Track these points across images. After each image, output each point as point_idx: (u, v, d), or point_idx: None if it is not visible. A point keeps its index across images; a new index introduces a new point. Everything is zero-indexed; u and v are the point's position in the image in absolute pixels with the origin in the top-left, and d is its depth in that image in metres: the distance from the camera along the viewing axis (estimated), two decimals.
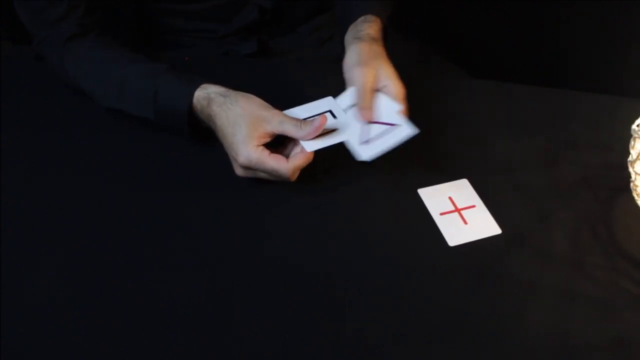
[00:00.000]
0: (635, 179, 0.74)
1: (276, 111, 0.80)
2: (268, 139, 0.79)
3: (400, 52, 1.14)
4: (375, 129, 0.82)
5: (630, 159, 0.75)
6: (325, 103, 0.84)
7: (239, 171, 0.80)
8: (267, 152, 0.78)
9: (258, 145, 0.78)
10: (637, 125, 0.74)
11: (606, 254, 0.76)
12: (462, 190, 0.83)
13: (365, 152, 0.80)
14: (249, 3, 1.02)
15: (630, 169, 0.75)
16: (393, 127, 0.82)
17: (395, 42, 1.14)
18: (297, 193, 0.82)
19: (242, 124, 0.78)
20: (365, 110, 0.82)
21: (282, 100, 0.84)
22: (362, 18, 0.92)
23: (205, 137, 0.85)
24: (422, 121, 0.91)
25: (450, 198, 0.82)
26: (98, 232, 0.78)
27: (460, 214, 0.80)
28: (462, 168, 0.86)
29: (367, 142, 0.81)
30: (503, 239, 0.78)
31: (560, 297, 0.72)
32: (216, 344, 0.67)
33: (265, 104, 0.80)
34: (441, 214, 0.80)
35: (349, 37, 0.90)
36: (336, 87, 0.84)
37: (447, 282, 0.73)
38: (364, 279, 0.74)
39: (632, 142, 0.75)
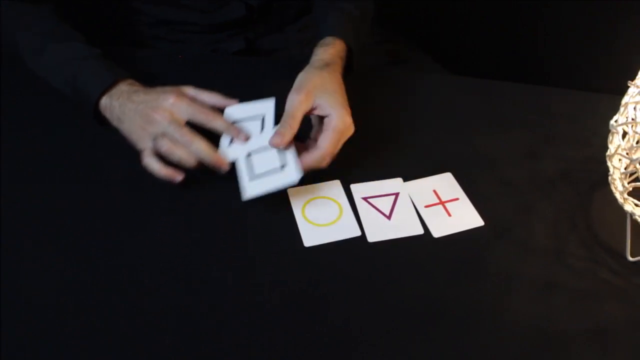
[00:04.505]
0: (613, 172, 0.74)
1: None
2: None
3: (383, 51, 1.14)
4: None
5: (608, 153, 0.74)
6: (264, 107, 0.80)
7: (152, 135, 0.77)
8: None
9: None
10: (615, 121, 0.73)
11: (585, 245, 0.75)
12: (446, 184, 0.82)
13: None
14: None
15: (609, 163, 0.74)
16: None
17: (379, 41, 1.14)
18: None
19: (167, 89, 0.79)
20: (279, 136, 0.75)
21: (269, 96, 0.83)
22: (320, 42, 0.89)
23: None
24: (408, 117, 0.91)
25: (434, 191, 0.81)
26: (98, 232, 0.75)
27: (444, 206, 0.79)
28: (446, 162, 0.85)
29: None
30: (485, 230, 0.77)
31: (540, 287, 0.71)
32: (213, 344, 0.65)
33: None
34: (426, 206, 0.79)
35: (312, 58, 0.86)
36: None
37: (431, 272, 0.72)
38: (351, 270, 0.72)
39: (610, 137, 0.75)
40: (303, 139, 0.81)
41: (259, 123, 0.79)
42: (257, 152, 0.77)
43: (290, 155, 0.76)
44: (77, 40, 0.88)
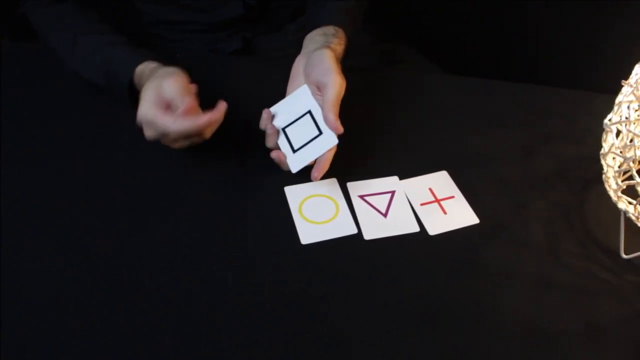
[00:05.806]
0: (607, 171, 0.73)
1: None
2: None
3: (381, 51, 1.13)
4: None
5: (602, 151, 0.74)
6: (304, 102, 0.81)
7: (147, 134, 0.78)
8: (160, 110, 0.75)
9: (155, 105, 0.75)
10: (609, 120, 0.73)
11: (579, 242, 0.75)
12: (441, 182, 0.82)
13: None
14: None
15: (603, 162, 0.74)
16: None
17: (376, 41, 1.13)
18: (287, 183, 0.80)
19: (150, 87, 0.77)
20: (337, 122, 0.77)
21: (266, 96, 0.83)
22: (333, 30, 0.88)
23: None
24: (404, 115, 0.90)
25: (430, 189, 0.81)
26: (98, 232, 0.74)
27: (440, 204, 0.79)
28: (442, 160, 0.84)
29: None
30: (481, 228, 0.76)
31: (535, 284, 0.71)
32: (213, 344, 0.64)
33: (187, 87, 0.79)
34: (422, 204, 0.79)
35: (319, 39, 0.86)
36: None
37: (427, 270, 0.72)
38: (349, 269, 0.72)
39: (604, 136, 0.74)
40: None
41: (309, 118, 0.80)
42: (291, 126, 0.80)
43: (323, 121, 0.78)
44: (106, 30, 0.90)
